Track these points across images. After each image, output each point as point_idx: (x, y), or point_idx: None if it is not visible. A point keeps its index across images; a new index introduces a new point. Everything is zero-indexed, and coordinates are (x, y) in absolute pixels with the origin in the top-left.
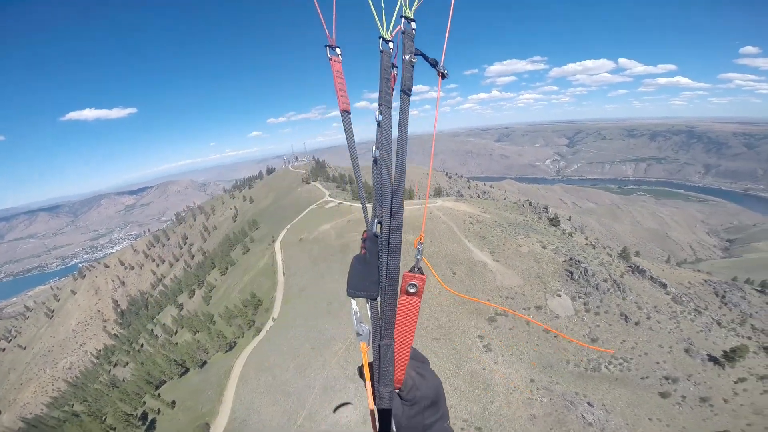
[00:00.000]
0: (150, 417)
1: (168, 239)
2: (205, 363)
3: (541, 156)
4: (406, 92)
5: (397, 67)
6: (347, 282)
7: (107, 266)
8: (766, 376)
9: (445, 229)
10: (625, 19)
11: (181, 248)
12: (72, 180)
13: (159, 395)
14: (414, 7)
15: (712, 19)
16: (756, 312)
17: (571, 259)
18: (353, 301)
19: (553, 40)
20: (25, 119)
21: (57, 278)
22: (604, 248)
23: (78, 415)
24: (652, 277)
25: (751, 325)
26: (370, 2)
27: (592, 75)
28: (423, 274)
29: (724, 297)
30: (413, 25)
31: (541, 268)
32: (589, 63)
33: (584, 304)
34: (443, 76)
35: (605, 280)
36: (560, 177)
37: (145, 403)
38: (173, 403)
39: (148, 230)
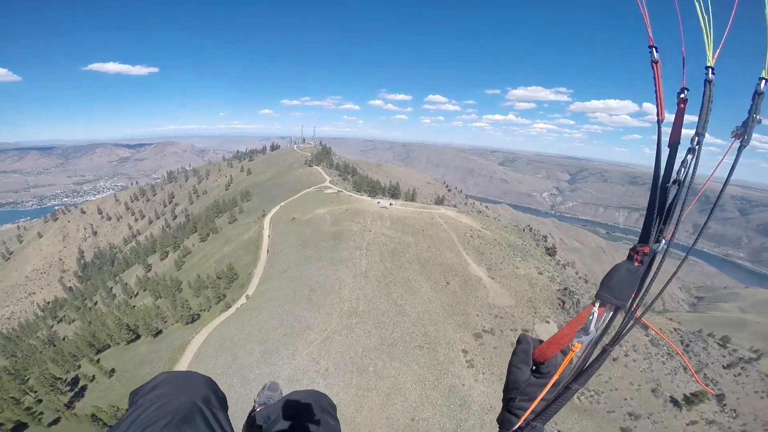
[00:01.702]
0: (81, 383)
1: (154, 195)
2: (159, 332)
3: (540, 187)
4: (743, 144)
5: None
6: (604, 284)
7: (83, 212)
8: (714, 421)
9: (445, 238)
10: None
11: (166, 206)
12: (75, 127)
13: (99, 361)
14: None
15: (741, 71)
16: (712, 363)
17: (565, 288)
18: (597, 304)
19: (584, 73)
20: (47, 64)
21: (28, 218)
22: (594, 284)
23: None
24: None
25: (704, 374)
26: (703, 26)
27: (612, 115)
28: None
29: (687, 346)
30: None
31: (535, 292)
32: (613, 102)
33: None
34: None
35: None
36: (554, 212)
37: (80, 367)
38: (112, 371)
39: (136, 182)
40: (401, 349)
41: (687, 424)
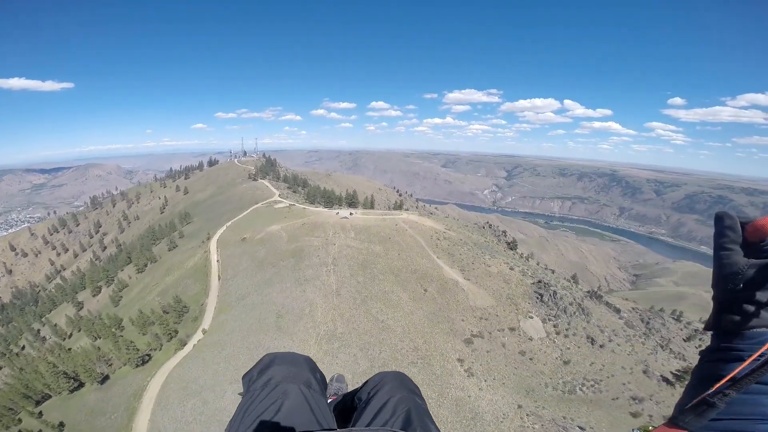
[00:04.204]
0: None
1: (77, 225)
2: (106, 378)
3: (481, 186)
4: None
5: None
6: None
7: None
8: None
9: (413, 243)
10: (579, 60)
11: (92, 237)
12: None
13: (41, 414)
14: None
15: (647, 69)
16: (673, 337)
17: (540, 281)
18: None
19: (511, 74)
20: None
21: None
22: (555, 272)
23: None
24: (607, 302)
25: (671, 348)
26: None
27: (538, 113)
28: None
29: (648, 323)
30: None
31: (511, 289)
32: (538, 101)
33: (554, 326)
34: None
35: (571, 304)
36: (496, 207)
37: (20, 421)
38: (61, 425)
39: (55, 212)
40: (394, 369)
41: None
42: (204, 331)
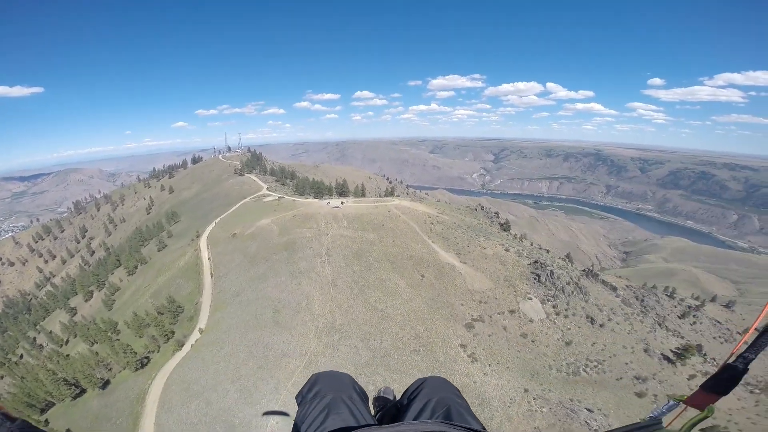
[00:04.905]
0: None
1: (62, 231)
2: (107, 383)
3: (469, 170)
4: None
5: None
6: None
7: None
8: (709, 372)
9: (407, 229)
10: (560, 43)
11: (79, 242)
12: None
13: (47, 422)
14: None
15: (626, 50)
16: (668, 315)
17: (536, 261)
18: None
19: (494, 59)
20: None
21: None
22: (549, 252)
23: None
24: (603, 280)
25: (666, 326)
26: None
27: (522, 97)
28: None
29: (643, 301)
30: None
31: (508, 270)
32: (521, 85)
33: (553, 306)
34: None
35: (568, 283)
36: (485, 190)
37: None
38: None
39: (38, 220)
40: (397, 359)
41: (687, 379)
42: (201, 331)
